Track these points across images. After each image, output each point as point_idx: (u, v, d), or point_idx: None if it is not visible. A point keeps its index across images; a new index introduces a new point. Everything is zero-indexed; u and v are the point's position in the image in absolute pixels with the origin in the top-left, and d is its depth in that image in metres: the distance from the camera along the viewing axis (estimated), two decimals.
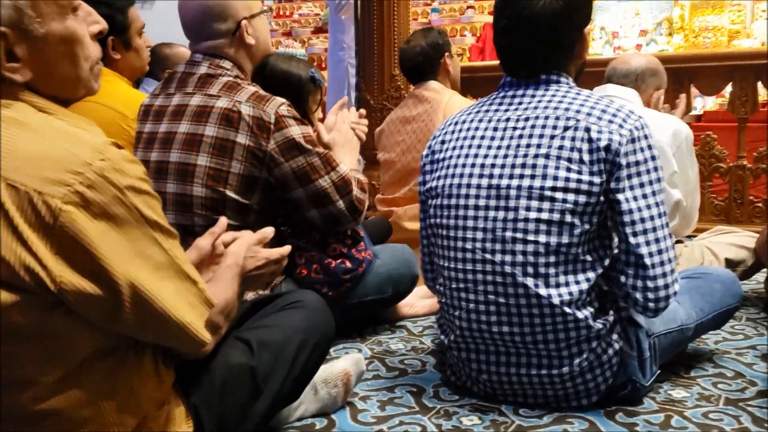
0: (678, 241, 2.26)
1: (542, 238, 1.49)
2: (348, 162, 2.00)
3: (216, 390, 1.20)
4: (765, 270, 2.31)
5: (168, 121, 1.85)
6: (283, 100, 1.83)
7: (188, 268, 1.05)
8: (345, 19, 5.34)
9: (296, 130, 1.81)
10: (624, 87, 2.21)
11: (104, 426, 1.01)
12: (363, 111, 2.20)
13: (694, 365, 1.81)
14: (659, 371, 1.65)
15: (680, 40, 5.53)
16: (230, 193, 1.78)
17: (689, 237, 2.47)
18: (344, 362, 1.65)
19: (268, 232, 1.37)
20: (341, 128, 2.09)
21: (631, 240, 1.47)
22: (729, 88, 3.27)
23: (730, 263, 2.25)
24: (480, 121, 1.64)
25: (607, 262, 1.53)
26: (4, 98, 0.96)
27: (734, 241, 2.31)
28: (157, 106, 1.89)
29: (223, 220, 1.36)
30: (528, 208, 1.50)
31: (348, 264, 2.03)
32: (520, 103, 1.60)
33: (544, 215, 1.49)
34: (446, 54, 2.80)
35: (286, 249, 1.38)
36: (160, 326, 1.00)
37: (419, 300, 2.34)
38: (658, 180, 1.49)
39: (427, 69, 2.79)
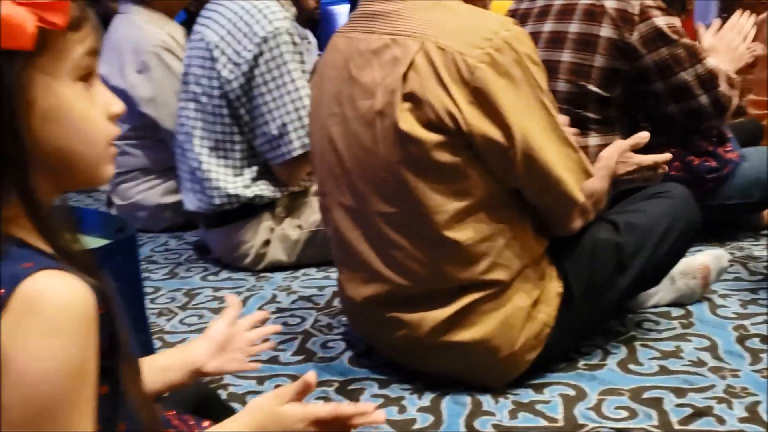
0: None
1: None
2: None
3: (585, 259, 1.34)
4: None
5: (533, 22, 1.97)
6: None
7: (570, 137, 1.21)
8: None
9: (661, 21, 1.78)
10: None
11: (494, 265, 1.23)
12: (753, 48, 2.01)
13: None
14: None
15: None
16: (592, 87, 1.84)
17: None
18: (705, 256, 1.66)
19: (642, 136, 1.42)
20: (725, 36, 1.99)
21: None
22: None
23: None
24: None
25: None
26: None
27: None
28: (522, 10, 2.02)
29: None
30: None
31: (712, 163, 1.98)
32: None
33: None
34: None
35: (663, 156, 1.41)
36: (541, 178, 1.19)
37: None
38: None
39: None
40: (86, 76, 0.63)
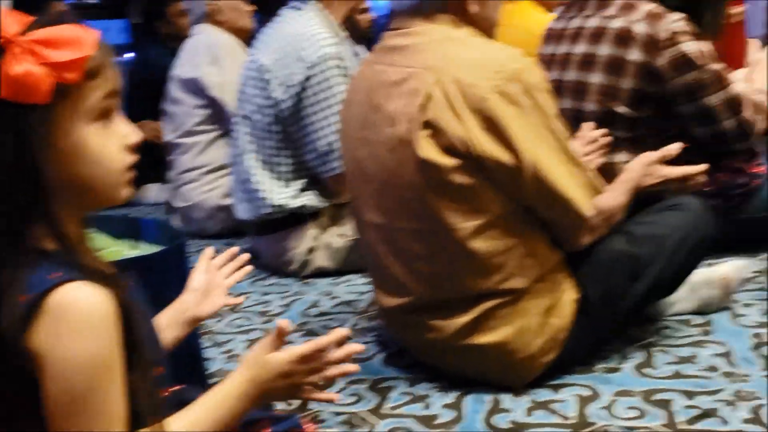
0: None
1: None
2: (759, 82, 1.97)
3: (601, 269, 1.43)
4: None
5: (568, 43, 2.06)
6: (680, 15, 1.89)
7: (578, 158, 1.33)
8: None
9: (690, 46, 1.86)
10: None
11: (510, 275, 1.34)
12: None
13: None
14: None
15: None
16: (620, 108, 1.93)
17: None
18: (726, 267, 1.73)
19: (672, 149, 1.49)
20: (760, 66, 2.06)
21: None
22: None
23: None
24: None
25: None
26: (453, 25, 1.36)
27: None
28: (558, 29, 2.12)
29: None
30: None
31: (741, 179, 2.03)
32: None
33: None
34: None
35: (695, 168, 1.47)
36: (550, 197, 1.30)
37: None
38: None
39: None
40: (105, 114, 0.72)
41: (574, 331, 1.42)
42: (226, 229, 2.72)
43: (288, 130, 2.18)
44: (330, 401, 0.96)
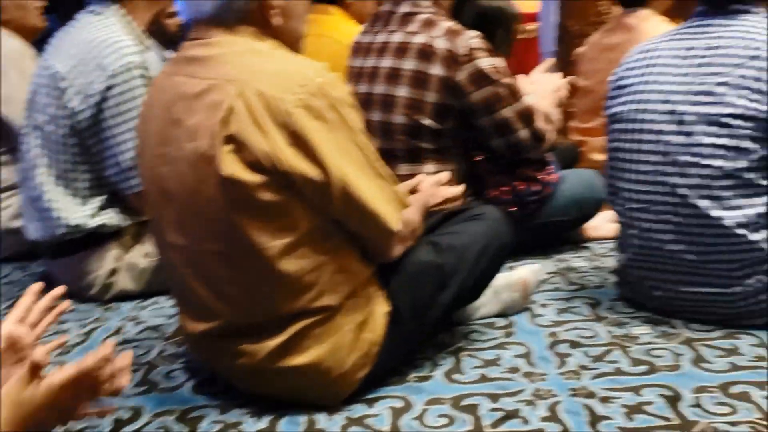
0: None
1: (717, 162, 1.54)
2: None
3: (409, 280, 1.46)
4: None
5: (375, 57, 2.10)
6: (476, 33, 2.00)
7: (384, 171, 1.34)
8: None
9: (485, 62, 1.97)
10: None
11: (322, 292, 1.32)
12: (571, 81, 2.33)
13: None
14: None
15: None
16: (425, 121, 2.00)
17: None
18: (523, 270, 1.84)
19: (443, 176, 1.62)
20: (541, 84, 2.22)
21: None
22: None
23: None
24: (667, 49, 1.70)
25: None
26: (255, 37, 1.32)
27: None
28: (365, 43, 2.16)
29: None
30: (704, 134, 1.56)
31: (534, 186, 2.19)
32: (707, 33, 1.63)
33: (720, 141, 1.54)
34: None
35: (457, 189, 1.61)
36: (359, 211, 1.30)
37: (606, 223, 2.42)
38: None
39: None
40: None
41: (387, 344, 1.43)
42: (18, 252, 2.46)
43: (86, 143, 2.00)
44: (106, 414, 0.99)
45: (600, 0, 3.53)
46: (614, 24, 2.82)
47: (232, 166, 1.22)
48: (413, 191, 1.59)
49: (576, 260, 2.22)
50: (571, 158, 2.59)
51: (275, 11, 1.33)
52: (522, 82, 2.21)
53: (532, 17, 5.83)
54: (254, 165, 1.22)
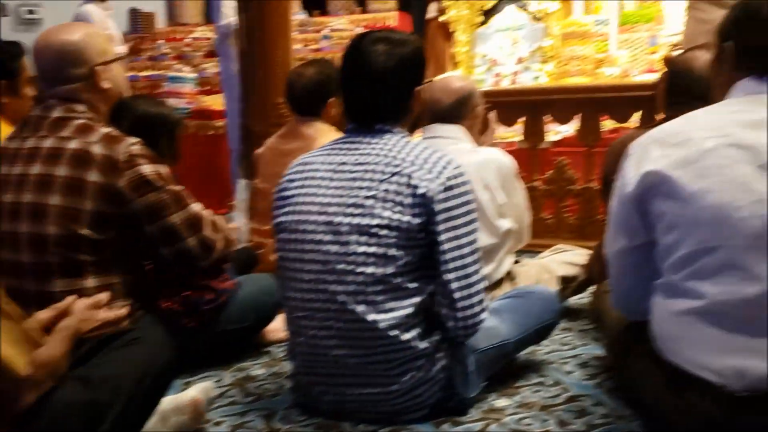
0: (516, 262, 2.48)
1: (369, 270, 1.65)
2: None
3: (56, 425, 1.28)
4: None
5: (22, 164, 1.90)
6: (136, 139, 1.92)
7: (9, 309, 1.17)
8: (232, 46, 5.41)
9: (147, 168, 1.90)
10: (450, 125, 2.31)
11: None
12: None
13: (521, 375, 2.01)
14: (486, 383, 1.85)
15: (552, 68, 5.93)
16: (83, 231, 1.84)
17: (531, 255, 2.71)
18: (194, 391, 1.75)
19: (102, 297, 1.46)
20: None
21: (444, 276, 1.67)
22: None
23: (565, 280, 2.50)
24: (322, 163, 1.80)
25: (430, 288, 1.71)
26: None
27: (569, 258, 2.56)
28: (13, 149, 1.94)
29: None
30: (357, 243, 1.66)
31: (208, 295, 2.13)
32: (357, 149, 1.77)
33: (371, 249, 1.65)
34: (331, 99, 2.67)
35: (120, 312, 1.47)
36: None
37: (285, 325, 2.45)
38: (470, 223, 1.69)
39: (313, 107, 2.69)
40: None
41: None
42: None
43: None
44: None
45: (281, 103, 3.68)
46: (290, 129, 2.85)
47: None
48: (63, 315, 1.42)
49: (255, 368, 2.19)
50: (250, 261, 2.60)
51: None
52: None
53: (220, 114, 5.95)
54: None
